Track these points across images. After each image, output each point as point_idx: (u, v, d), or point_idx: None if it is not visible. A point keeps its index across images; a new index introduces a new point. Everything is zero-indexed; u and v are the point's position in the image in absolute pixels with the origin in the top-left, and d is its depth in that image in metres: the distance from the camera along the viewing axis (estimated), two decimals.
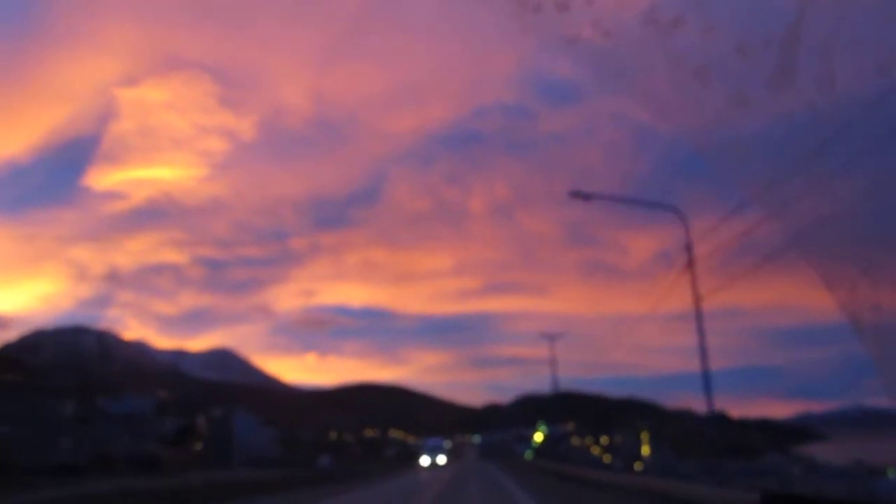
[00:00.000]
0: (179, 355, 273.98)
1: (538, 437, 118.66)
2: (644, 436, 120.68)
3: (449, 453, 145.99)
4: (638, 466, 52.10)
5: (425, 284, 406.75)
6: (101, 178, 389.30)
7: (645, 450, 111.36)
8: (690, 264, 21.44)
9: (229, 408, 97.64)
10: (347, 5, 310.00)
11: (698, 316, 21.20)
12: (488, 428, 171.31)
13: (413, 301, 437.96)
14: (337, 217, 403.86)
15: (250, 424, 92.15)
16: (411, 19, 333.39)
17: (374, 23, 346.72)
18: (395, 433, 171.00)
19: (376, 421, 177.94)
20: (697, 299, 21.22)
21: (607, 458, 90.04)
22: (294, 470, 58.76)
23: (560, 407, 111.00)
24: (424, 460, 59.16)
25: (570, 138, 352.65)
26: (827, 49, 4.23)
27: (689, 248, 21.52)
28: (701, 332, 20.80)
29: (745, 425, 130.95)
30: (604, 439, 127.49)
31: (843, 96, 4.49)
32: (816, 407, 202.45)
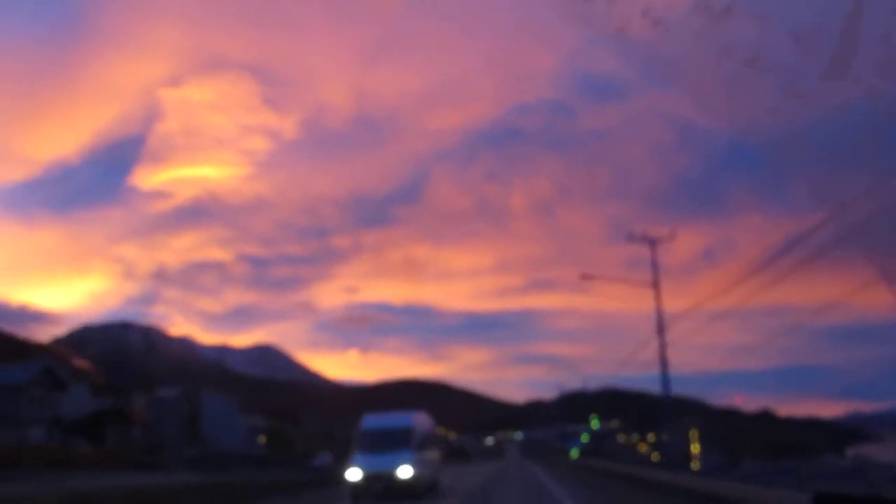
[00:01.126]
0: (224, 351, 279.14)
1: (587, 434, 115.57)
2: (693, 434, 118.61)
3: (491, 451, 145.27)
4: (695, 466, 50.40)
5: (467, 281, 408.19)
6: (147, 178, 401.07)
7: (695, 448, 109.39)
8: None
9: (188, 389, 73.59)
10: (388, 5, 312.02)
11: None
12: (531, 425, 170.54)
13: (455, 298, 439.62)
14: (379, 215, 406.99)
15: (220, 411, 71.12)
16: (452, 18, 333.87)
17: (414, 22, 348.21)
18: (437, 429, 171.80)
19: None
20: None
21: (655, 456, 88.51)
22: (260, 470, 48.08)
23: (605, 404, 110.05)
24: (353, 473, 21.94)
25: (611, 135, 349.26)
26: (888, 36, 4.08)
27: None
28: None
29: (793, 424, 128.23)
30: (651, 436, 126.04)
31: None
32: (866, 407, 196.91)
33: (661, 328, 22.05)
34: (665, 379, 22.67)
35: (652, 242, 23.46)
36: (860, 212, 5.01)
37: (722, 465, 58.14)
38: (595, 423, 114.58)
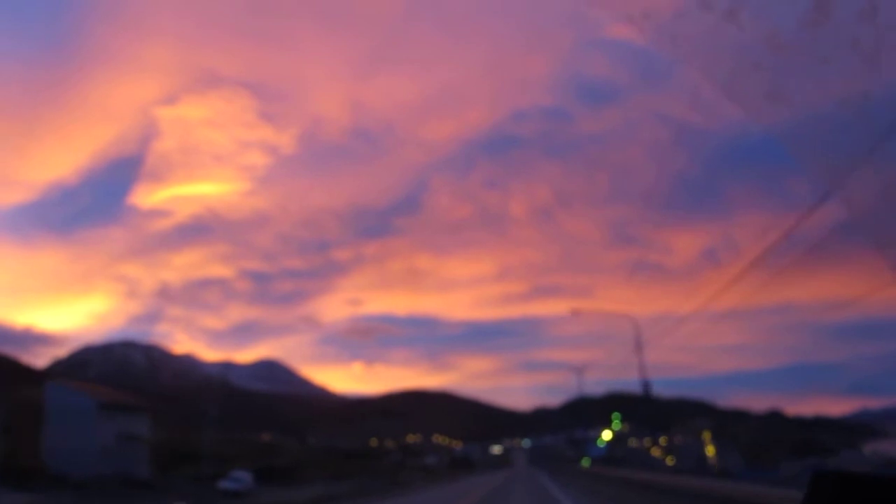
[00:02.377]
0: (227, 367, 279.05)
1: (606, 435, 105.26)
2: (706, 436, 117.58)
3: (498, 460, 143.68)
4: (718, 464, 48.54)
5: (469, 290, 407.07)
6: (147, 197, 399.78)
7: (710, 450, 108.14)
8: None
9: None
10: (381, 15, 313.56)
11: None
12: (538, 432, 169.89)
13: (458, 307, 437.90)
14: (379, 226, 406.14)
15: (72, 413, 47.86)
16: (445, 27, 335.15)
17: (407, 32, 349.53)
18: (440, 439, 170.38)
19: (423, 428, 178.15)
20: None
21: (670, 461, 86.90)
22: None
23: (611, 409, 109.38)
24: None
25: (608, 138, 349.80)
26: None
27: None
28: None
29: (803, 423, 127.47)
30: (663, 440, 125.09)
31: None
32: (874, 403, 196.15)
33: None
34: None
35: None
36: (865, 204, 4.86)
37: (750, 468, 56.58)
38: (617, 424, 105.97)
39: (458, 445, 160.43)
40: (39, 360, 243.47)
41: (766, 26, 5.01)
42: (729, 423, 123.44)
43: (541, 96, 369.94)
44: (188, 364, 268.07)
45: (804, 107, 5.16)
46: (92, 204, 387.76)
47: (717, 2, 5.07)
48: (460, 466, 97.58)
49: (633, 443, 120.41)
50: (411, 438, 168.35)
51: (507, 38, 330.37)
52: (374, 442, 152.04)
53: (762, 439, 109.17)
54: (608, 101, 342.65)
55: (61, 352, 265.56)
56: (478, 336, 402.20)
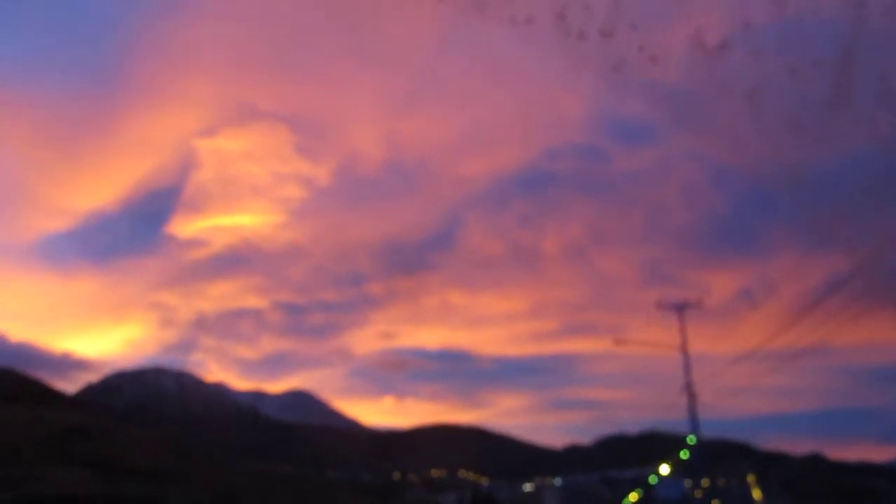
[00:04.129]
0: (258, 397, 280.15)
1: (664, 469, 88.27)
2: (751, 479, 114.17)
3: (527, 499, 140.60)
4: None
5: (502, 326, 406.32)
6: (184, 227, 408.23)
7: (756, 494, 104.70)
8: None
9: None
10: (417, 52, 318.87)
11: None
12: (570, 470, 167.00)
13: (490, 343, 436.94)
14: (413, 261, 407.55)
15: None
16: (480, 64, 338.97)
17: (444, 68, 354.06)
18: (466, 474, 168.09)
19: (451, 463, 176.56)
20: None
21: (715, 503, 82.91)
22: None
23: (645, 448, 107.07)
24: None
25: (643, 177, 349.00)
26: (884, 69, 4.15)
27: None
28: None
29: (847, 468, 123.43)
30: (705, 482, 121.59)
31: None
32: None
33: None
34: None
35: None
36: (881, 255, 5.00)
37: None
38: (685, 454, 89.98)
39: (485, 482, 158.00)
40: (73, 385, 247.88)
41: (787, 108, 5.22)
42: (771, 465, 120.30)
43: (575, 134, 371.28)
44: (218, 393, 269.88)
45: (826, 153, 5.32)
46: (130, 233, 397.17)
47: (739, 84, 5.31)
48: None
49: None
50: (436, 473, 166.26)
51: (540, 76, 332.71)
52: (397, 476, 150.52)
53: (808, 483, 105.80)
54: (643, 140, 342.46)
55: (94, 377, 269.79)
56: (510, 373, 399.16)
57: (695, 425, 22.01)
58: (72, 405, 71.43)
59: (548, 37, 5.61)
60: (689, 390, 21.27)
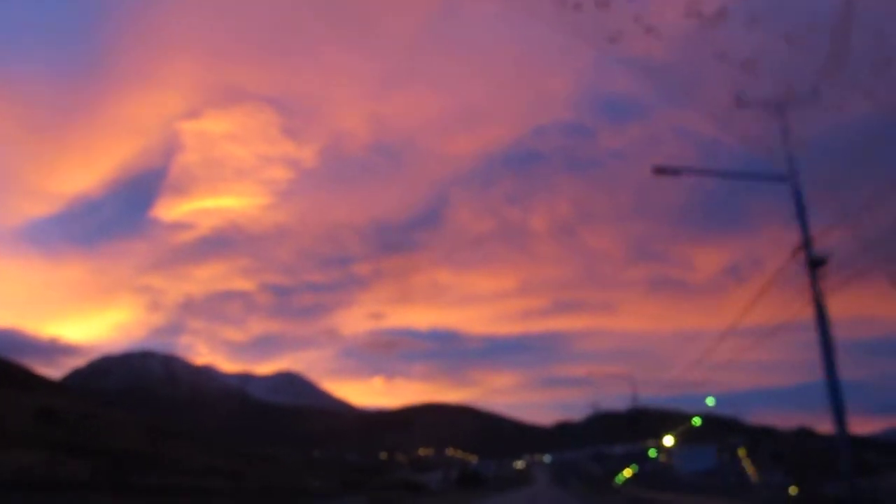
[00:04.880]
0: (246, 379, 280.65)
1: (668, 440, 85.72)
2: (741, 452, 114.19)
3: (516, 476, 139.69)
4: (793, 491, 43.14)
5: (491, 305, 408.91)
6: (170, 210, 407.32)
7: (749, 468, 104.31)
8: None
9: None
10: (403, 32, 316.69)
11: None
12: (561, 447, 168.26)
13: (479, 322, 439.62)
14: (400, 241, 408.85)
15: None
16: (466, 43, 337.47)
17: (429, 48, 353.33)
18: (454, 452, 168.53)
19: (440, 442, 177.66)
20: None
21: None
22: None
23: (636, 424, 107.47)
24: None
25: (630, 154, 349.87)
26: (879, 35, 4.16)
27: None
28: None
29: (834, 441, 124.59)
30: None
31: None
32: None
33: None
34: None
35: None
36: (874, 225, 5.05)
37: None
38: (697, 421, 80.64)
39: (473, 460, 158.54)
40: (61, 370, 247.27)
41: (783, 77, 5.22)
42: (759, 440, 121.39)
43: (561, 112, 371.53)
44: (206, 375, 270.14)
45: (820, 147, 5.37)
46: (116, 217, 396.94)
47: (735, 50, 5.29)
48: (470, 483, 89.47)
49: (663, 458, 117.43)
50: (423, 452, 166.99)
51: (526, 54, 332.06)
52: (384, 455, 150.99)
53: (797, 457, 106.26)
54: (629, 117, 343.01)
55: (80, 362, 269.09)
56: (499, 351, 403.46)
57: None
58: (52, 390, 70.53)
59: (544, 8, 5.60)
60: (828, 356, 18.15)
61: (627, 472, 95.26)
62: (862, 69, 4.55)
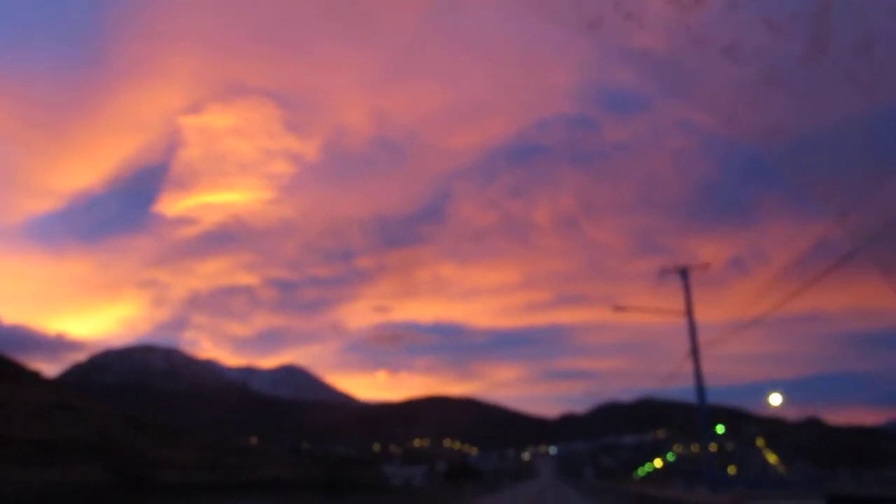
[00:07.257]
0: (249, 373, 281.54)
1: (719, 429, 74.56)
2: (760, 443, 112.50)
3: (518, 469, 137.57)
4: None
5: (494, 298, 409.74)
6: (173, 205, 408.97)
7: (772, 458, 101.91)
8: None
9: None
10: (405, 26, 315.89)
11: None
12: (565, 439, 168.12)
13: (483, 315, 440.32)
14: (403, 235, 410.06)
15: None
16: (467, 37, 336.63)
17: (431, 42, 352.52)
18: (451, 444, 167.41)
19: (443, 434, 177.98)
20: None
21: (732, 469, 75.41)
22: None
23: (642, 416, 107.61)
24: None
25: (633, 147, 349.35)
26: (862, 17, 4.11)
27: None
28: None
29: (845, 432, 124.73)
30: (713, 447, 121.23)
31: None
32: None
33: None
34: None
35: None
36: (868, 219, 5.02)
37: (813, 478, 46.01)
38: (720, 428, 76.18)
39: (473, 451, 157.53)
40: (64, 366, 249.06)
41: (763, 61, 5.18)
42: (772, 430, 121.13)
43: (563, 105, 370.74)
44: (208, 369, 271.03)
45: (803, 136, 5.33)
46: (118, 212, 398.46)
47: (715, 38, 5.25)
48: (459, 478, 75.15)
49: (678, 449, 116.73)
50: (418, 443, 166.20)
51: (528, 48, 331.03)
52: (376, 447, 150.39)
53: (811, 447, 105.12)
54: (632, 110, 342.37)
55: (80, 356, 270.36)
56: (503, 344, 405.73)
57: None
58: (43, 385, 70.10)
59: None
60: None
61: (658, 462, 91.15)
62: (844, 51, 4.55)
